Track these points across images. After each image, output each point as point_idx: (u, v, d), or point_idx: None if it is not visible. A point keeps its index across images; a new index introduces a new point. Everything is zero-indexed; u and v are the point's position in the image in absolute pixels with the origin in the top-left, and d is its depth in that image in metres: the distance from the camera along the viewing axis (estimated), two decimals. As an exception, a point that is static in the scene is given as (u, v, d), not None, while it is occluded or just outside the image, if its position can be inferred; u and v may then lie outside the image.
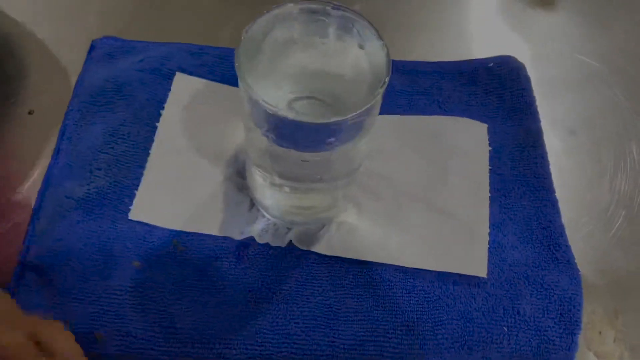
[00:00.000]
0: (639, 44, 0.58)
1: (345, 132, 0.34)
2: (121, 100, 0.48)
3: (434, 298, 0.41)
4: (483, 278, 0.42)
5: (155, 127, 0.47)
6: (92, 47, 0.51)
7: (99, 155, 0.46)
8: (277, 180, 0.39)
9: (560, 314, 0.41)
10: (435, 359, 0.39)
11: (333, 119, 0.32)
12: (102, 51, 0.51)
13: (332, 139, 0.34)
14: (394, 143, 0.48)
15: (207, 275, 0.41)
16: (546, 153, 0.48)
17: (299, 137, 0.34)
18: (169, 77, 0.50)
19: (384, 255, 0.43)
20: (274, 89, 0.34)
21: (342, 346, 0.39)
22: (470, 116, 0.50)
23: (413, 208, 0.45)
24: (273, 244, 0.43)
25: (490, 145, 0.48)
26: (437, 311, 0.41)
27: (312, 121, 0.32)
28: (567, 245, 0.44)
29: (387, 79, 0.33)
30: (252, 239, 0.43)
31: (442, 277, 0.42)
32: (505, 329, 0.40)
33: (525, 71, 0.52)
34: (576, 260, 0.43)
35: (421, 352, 0.39)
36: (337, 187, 0.41)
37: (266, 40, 0.35)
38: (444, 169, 0.47)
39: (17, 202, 0.45)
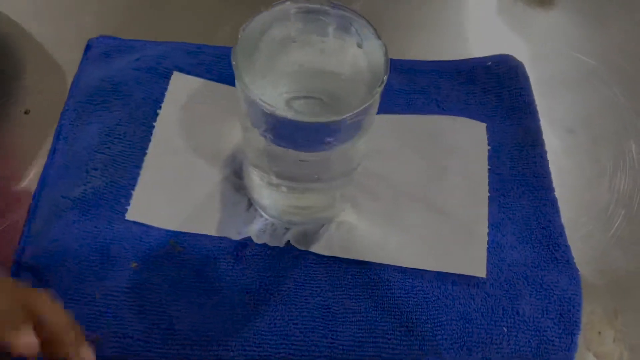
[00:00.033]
0: (637, 43, 0.58)
1: (344, 132, 0.34)
2: (117, 100, 0.48)
3: (433, 298, 0.41)
4: (482, 278, 0.42)
5: (152, 127, 0.47)
6: (89, 47, 0.51)
7: (95, 155, 0.45)
8: (275, 180, 0.39)
9: (560, 314, 0.41)
10: (434, 360, 0.39)
11: (331, 119, 0.32)
12: (98, 50, 0.51)
13: (330, 139, 0.34)
14: (392, 143, 0.48)
15: (204, 276, 0.41)
16: (545, 152, 0.48)
17: (297, 136, 0.34)
18: (166, 76, 0.49)
19: (382, 256, 0.42)
20: (271, 88, 0.34)
21: (340, 347, 0.39)
22: (469, 115, 0.50)
23: (412, 208, 0.45)
24: (271, 244, 0.43)
25: (489, 144, 0.48)
26: (436, 312, 0.40)
27: (310, 120, 0.32)
28: (566, 245, 0.44)
29: (385, 78, 0.32)
30: (249, 239, 0.43)
31: (441, 277, 0.42)
32: (505, 329, 0.40)
33: (524, 70, 0.52)
34: (575, 260, 0.43)
35: (420, 352, 0.39)
36: (335, 187, 0.41)
37: (263, 39, 0.35)
38: (442, 168, 0.47)
39: (12, 202, 0.44)
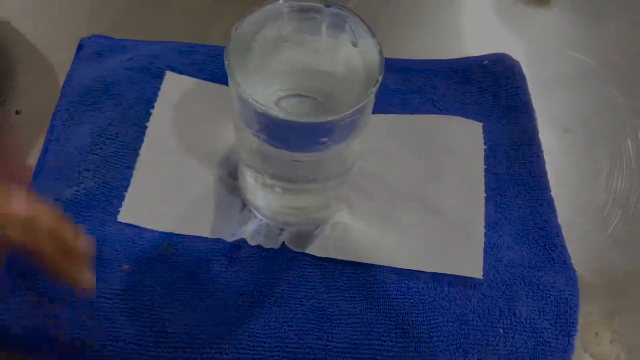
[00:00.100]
0: (633, 40, 0.58)
1: (338, 132, 0.33)
2: (109, 100, 0.47)
3: (429, 300, 0.41)
4: (478, 279, 0.42)
5: (144, 127, 0.47)
6: (81, 46, 0.51)
7: (87, 156, 0.45)
8: (269, 181, 0.38)
9: (557, 315, 0.40)
10: (431, 362, 0.39)
11: (325, 119, 0.31)
12: (90, 50, 0.50)
13: (324, 139, 0.33)
14: (387, 143, 0.47)
15: (198, 278, 0.41)
16: (542, 151, 0.48)
17: (291, 137, 0.33)
18: (158, 76, 0.49)
19: (378, 257, 0.42)
20: (264, 88, 0.34)
21: (335, 350, 0.39)
22: (465, 115, 0.49)
23: (407, 208, 0.44)
24: (265, 245, 0.42)
25: (485, 144, 0.48)
26: (432, 313, 0.40)
27: (303, 120, 0.31)
28: (563, 246, 0.43)
29: (380, 78, 0.32)
30: (244, 240, 0.42)
31: (437, 278, 0.42)
32: (501, 330, 0.40)
33: (520, 69, 0.52)
34: (572, 260, 0.43)
35: (416, 355, 0.39)
36: (329, 187, 0.40)
37: (256, 38, 0.34)
38: (438, 168, 0.46)
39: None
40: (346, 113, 0.31)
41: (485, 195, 0.45)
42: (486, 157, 0.47)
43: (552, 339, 0.40)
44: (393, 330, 0.39)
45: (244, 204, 0.44)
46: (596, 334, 0.42)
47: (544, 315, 0.40)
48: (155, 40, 0.51)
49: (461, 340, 0.39)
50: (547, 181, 0.46)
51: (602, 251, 0.45)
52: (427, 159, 0.47)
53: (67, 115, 0.47)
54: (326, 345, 0.39)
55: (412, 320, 0.40)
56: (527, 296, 0.41)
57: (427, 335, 0.39)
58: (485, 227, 0.44)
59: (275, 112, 0.31)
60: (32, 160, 0.45)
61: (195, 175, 0.45)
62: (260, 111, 0.31)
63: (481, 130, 0.48)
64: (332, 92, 0.35)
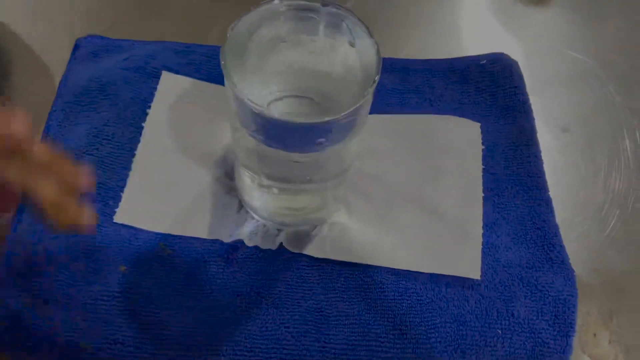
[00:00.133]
0: (631, 40, 0.58)
1: (336, 132, 0.33)
2: (105, 100, 0.47)
3: (427, 301, 0.40)
4: (476, 280, 0.41)
5: (141, 127, 0.46)
6: (77, 46, 0.50)
7: (83, 157, 0.45)
8: (266, 182, 0.38)
9: (555, 316, 0.40)
10: (428, 363, 0.39)
11: (322, 119, 0.31)
12: (86, 50, 0.50)
13: (321, 139, 0.33)
14: (385, 143, 0.47)
15: (195, 280, 0.40)
16: (540, 151, 0.47)
17: (287, 137, 0.33)
18: (154, 76, 0.49)
19: (375, 258, 0.42)
20: (260, 88, 0.33)
21: (333, 351, 0.38)
22: (463, 114, 0.49)
23: (405, 209, 0.44)
24: (263, 246, 0.42)
25: (483, 144, 0.48)
26: (430, 314, 0.40)
27: (300, 121, 0.31)
28: (561, 246, 0.43)
29: (377, 78, 0.32)
30: (241, 241, 0.42)
31: (435, 279, 0.41)
32: (499, 331, 0.40)
33: (518, 68, 0.51)
34: (570, 260, 0.43)
35: (414, 356, 0.39)
36: (326, 187, 0.40)
37: (253, 38, 0.34)
38: (436, 168, 0.46)
39: (-1, 205, 0.44)
40: (343, 113, 0.31)
41: (483, 195, 0.45)
42: (484, 157, 0.47)
43: (550, 339, 0.39)
44: (391, 331, 0.39)
45: (241, 205, 0.43)
46: (594, 334, 0.42)
47: (542, 315, 0.40)
48: (151, 40, 0.51)
49: (459, 341, 0.39)
50: (545, 181, 0.46)
51: (600, 251, 0.45)
52: (424, 159, 0.47)
53: (62, 115, 0.46)
54: (323, 347, 0.39)
55: (409, 321, 0.40)
56: (525, 297, 0.41)
57: (424, 337, 0.39)
58: (483, 227, 0.44)
59: (272, 112, 0.31)
60: (28, 161, 0.45)
61: (191, 175, 0.45)
62: (256, 111, 0.31)
63: (479, 130, 0.48)
64: (330, 92, 0.35)
